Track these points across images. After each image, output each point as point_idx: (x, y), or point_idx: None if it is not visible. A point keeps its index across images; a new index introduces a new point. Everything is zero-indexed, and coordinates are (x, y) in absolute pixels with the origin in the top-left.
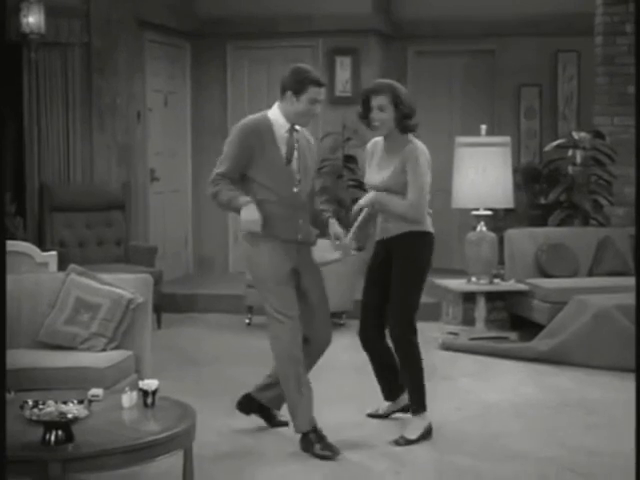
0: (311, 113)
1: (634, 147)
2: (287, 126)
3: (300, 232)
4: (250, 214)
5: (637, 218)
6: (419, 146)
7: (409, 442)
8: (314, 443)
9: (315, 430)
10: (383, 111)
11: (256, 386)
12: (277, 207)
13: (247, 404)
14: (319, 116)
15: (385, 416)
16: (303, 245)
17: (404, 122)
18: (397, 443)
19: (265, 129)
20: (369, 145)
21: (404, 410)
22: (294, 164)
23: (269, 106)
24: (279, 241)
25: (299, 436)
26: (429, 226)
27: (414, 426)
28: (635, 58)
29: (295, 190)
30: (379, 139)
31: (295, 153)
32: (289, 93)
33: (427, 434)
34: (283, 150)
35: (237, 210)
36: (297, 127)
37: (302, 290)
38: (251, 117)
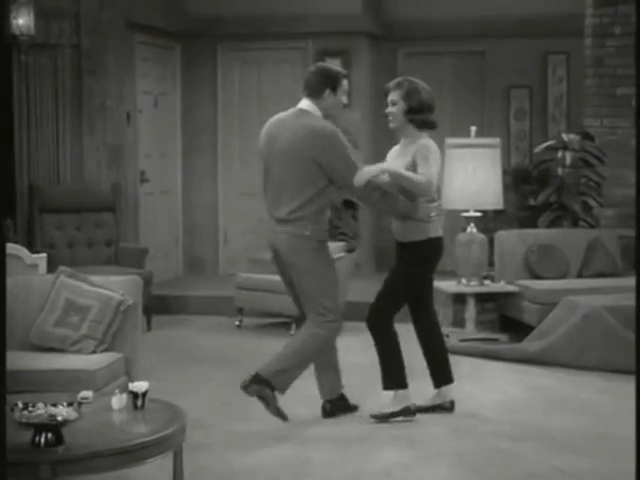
0: (343, 104)
1: (623, 148)
2: None
3: None
4: None
5: (637, 218)
6: (431, 143)
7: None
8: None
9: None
10: (394, 105)
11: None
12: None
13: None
14: None
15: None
16: None
17: (412, 116)
18: (374, 417)
19: None
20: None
21: (445, 408)
22: None
23: (260, 108)
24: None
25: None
26: (436, 230)
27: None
28: (635, 57)
29: None
30: (397, 147)
31: None
32: (327, 91)
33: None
34: None
35: (410, 211)
36: None
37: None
38: (323, 121)
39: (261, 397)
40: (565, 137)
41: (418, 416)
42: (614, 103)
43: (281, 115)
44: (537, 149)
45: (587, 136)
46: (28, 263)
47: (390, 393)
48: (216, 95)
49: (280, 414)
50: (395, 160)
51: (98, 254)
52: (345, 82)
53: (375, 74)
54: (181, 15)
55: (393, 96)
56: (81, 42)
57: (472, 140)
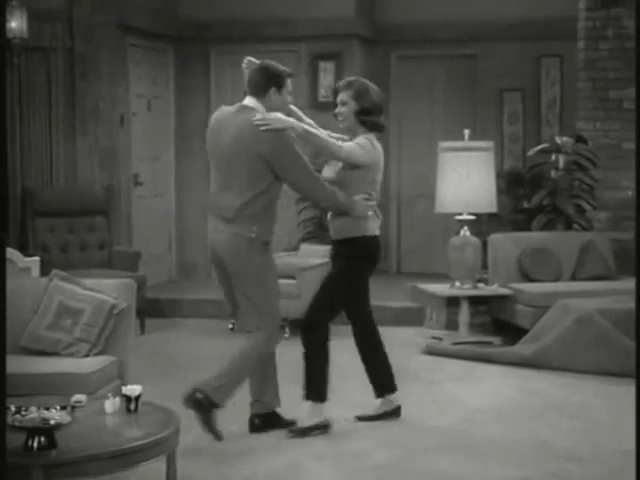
0: (288, 104)
1: (616, 151)
2: None
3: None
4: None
5: (637, 220)
6: (375, 142)
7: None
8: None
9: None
10: (344, 105)
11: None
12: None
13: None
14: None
15: (375, 417)
16: None
17: (363, 117)
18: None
19: None
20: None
21: (392, 414)
22: None
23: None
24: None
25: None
26: (373, 229)
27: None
28: (636, 59)
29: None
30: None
31: None
32: (272, 89)
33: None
34: None
35: (349, 207)
36: None
37: None
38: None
39: (200, 410)
40: (558, 140)
41: (407, 416)
42: (607, 106)
43: (224, 110)
44: (530, 152)
45: (580, 139)
46: (21, 266)
47: (308, 404)
48: (209, 98)
49: (215, 431)
50: (336, 164)
51: (91, 257)
52: (289, 82)
53: (368, 77)
54: (174, 18)
55: (343, 96)
56: (74, 45)
57: (465, 143)
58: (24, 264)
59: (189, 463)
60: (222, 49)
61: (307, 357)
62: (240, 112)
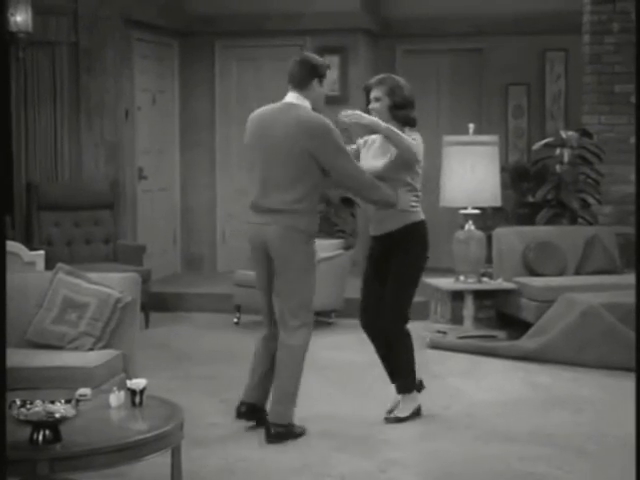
0: (325, 96)
1: (621, 146)
2: None
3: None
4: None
5: (637, 217)
6: (418, 138)
7: (399, 420)
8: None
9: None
10: (378, 101)
11: (247, 391)
12: None
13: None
14: None
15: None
16: None
17: (396, 112)
18: (387, 420)
19: None
20: (361, 140)
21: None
22: None
23: (257, 105)
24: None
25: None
26: (421, 213)
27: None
28: (635, 54)
29: None
30: (373, 136)
31: None
32: (315, 81)
33: (417, 413)
34: None
35: (394, 199)
36: None
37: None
38: (314, 113)
39: (286, 439)
40: (563, 134)
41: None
42: (612, 100)
43: (268, 109)
44: (535, 146)
45: (585, 133)
46: (26, 260)
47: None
48: (214, 92)
49: (301, 433)
50: (378, 157)
51: (96, 251)
52: (328, 73)
53: (373, 71)
54: (179, 12)
55: (377, 92)
56: (79, 39)
57: (470, 137)
58: (29, 258)
59: (194, 456)
60: (227, 43)
61: (396, 353)
62: (289, 109)
